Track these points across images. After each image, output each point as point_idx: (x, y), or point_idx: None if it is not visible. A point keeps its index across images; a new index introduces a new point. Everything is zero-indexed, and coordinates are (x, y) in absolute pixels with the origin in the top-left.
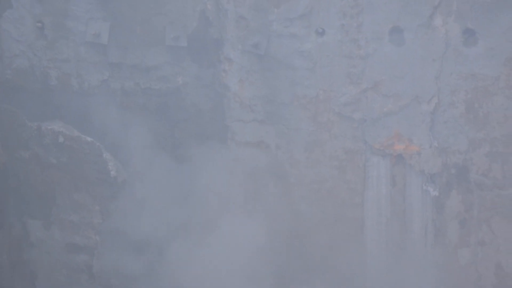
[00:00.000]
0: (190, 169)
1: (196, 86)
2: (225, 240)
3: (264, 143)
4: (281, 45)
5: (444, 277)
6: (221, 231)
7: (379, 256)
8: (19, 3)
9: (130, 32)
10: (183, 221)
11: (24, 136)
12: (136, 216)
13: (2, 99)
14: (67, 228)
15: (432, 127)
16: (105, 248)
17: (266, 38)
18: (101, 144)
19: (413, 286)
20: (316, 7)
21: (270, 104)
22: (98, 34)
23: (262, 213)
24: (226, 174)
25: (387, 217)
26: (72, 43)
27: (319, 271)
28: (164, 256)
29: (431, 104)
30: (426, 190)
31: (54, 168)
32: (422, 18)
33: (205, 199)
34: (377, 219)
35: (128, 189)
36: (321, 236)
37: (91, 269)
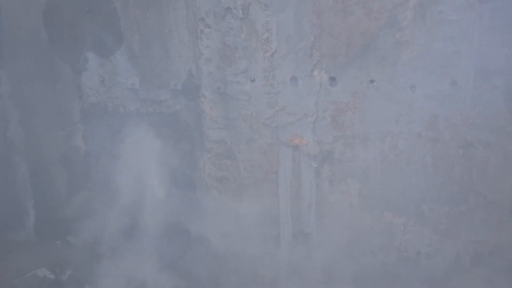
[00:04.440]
0: (182, 155)
1: (186, 110)
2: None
3: (224, 140)
4: (232, 88)
5: (322, 211)
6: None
7: (286, 201)
8: (91, 68)
9: (150, 81)
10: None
11: None
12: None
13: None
14: None
15: (313, 130)
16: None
17: (224, 84)
18: None
19: (304, 217)
20: (250, 67)
21: (226, 119)
22: (133, 83)
23: (226, 179)
24: (203, 156)
25: (290, 180)
26: (119, 88)
27: (251, 210)
28: None
29: (313, 118)
30: (310, 164)
31: None
32: (307, 71)
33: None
34: (284, 181)
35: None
36: (254, 190)
37: None
